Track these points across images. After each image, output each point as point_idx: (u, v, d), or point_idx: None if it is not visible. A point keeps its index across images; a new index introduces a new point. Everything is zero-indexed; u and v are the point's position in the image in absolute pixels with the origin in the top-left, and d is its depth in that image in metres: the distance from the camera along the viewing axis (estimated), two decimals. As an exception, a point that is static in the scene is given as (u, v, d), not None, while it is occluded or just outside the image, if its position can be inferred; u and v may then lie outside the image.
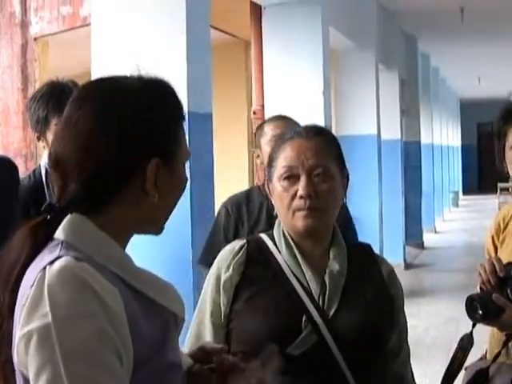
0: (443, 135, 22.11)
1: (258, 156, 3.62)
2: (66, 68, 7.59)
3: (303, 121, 6.52)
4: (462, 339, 2.56)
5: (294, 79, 6.94)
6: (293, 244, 2.14)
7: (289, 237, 2.15)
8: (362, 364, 2.05)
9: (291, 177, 2.10)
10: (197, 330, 2.15)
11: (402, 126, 13.74)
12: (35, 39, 9.01)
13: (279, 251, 2.14)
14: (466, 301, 2.51)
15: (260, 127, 3.64)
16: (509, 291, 2.47)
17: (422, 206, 15.08)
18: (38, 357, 1.27)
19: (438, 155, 19.89)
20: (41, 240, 1.43)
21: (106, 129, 1.44)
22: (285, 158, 2.12)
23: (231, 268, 2.12)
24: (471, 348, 2.53)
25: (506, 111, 2.66)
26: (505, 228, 2.77)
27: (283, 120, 3.59)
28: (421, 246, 14.76)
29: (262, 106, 6.98)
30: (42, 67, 8.86)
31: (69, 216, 1.45)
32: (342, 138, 9.64)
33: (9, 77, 8.93)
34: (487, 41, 14.72)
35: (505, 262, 2.56)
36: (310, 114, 6.86)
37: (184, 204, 3.91)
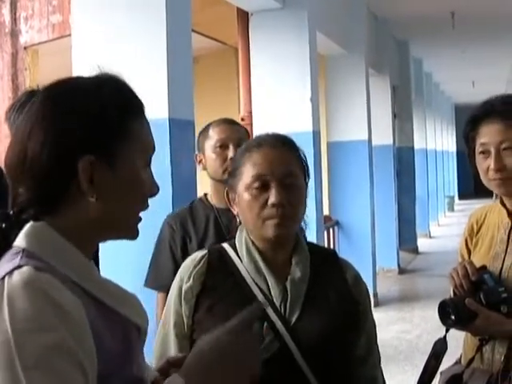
0: (438, 140, 22.12)
1: (201, 161, 3.48)
2: (56, 76, 7.57)
3: (291, 127, 6.55)
4: (435, 344, 2.55)
5: (281, 85, 6.92)
6: (255, 251, 2.12)
7: (251, 244, 2.14)
8: (328, 370, 2.04)
9: (261, 185, 2.07)
10: (162, 341, 2.14)
11: (395, 131, 13.74)
12: (25, 48, 9.01)
13: (241, 259, 2.13)
14: (439, 306, 2.50)
15: (205, 130, 3.50)
16: (481, 295, 2.46)
17: (417, 211, 15.10)
18: None
19: (432, 160, 19.90)
20: None
21: (41, 129, 1.41)
22: (254, 166, 2.09)
23: (192, 278, 2.11)
24: (445, 353, 2.52)
25: (473, 116, 2.64)
26: (478, 231, 2.75)
27: (229, 124, 3.48)
28: (415, 251, 14.76)
29: (250, 113, 6.97)
30: (32, 76, 8.86)
31: (30, 223, 1.42)
32: (333, 144, 9.66)
33: (-1, 86, 8.93)
34: (479, 45, 14.74)
35: (478, 265, 2.55)
36: (297, 120, 6.86)
37: (165, 211, 3.89)
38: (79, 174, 1.40)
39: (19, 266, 1.32)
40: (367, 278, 10.16)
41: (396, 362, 7.07)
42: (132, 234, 1.53)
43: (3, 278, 1.31)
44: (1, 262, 1.37)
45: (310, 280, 2.12)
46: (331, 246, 9.16)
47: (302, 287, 2.09)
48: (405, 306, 9.75)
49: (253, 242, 2.14)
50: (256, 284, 2.09)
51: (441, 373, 2.67)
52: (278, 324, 2.02)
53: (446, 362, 2.74)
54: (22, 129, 1.44)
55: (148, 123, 1.54)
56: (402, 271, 12.51)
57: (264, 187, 2.07)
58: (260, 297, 2.06)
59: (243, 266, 2.12)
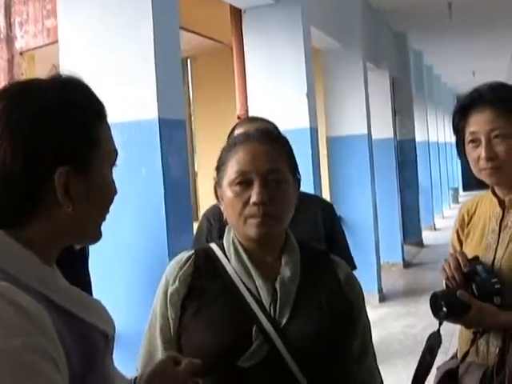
0: (440, 132, 22.05)
1: None
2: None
3: (288, 123, 6.50)
4: (429, 338, 2.49)
5: (277, 82, 6.87)
6: (243, 251, 2.05)
7: (239, 244, 2.07)
8: (320, 372, 1.97)
9: (244, 182, 2.00)
10: (148, 345, 2.09)
11: (396, 124, 13.68)
12: (21, 53, 8.97)
13: (229, 260, 2.06)
14: (431, 298, 2.44)
15: (231, 130, 3.43)
16: (474, 287, 2.40)
17: (421, 203, 15.03)
18: None
19: (434, 152, 19.83)
20: None
21: (10, 137, 1.34)
22: (237, 161, 2.02)
23: (177, 280, 2.03)
24: (439, 347, 2.47)
25: (461, 106, 2.58)
26: (469, 221, 2.70)
27: (252, 122, 3.36)
28: (420, 244, 14.70)
29: (247, 111, 6.92)
30: (29, 81, 8.80)
31: None
32: (333, 139, 9.61)
33: (-4, 92, 8.89)
34: (478, 35, 14.68)
35: (470, 256, 2.50)
36: (294, 117, 6.80)
37: (159, 212, 3.85)
38: (56, 186, 1.36)
39: None
40: (371, 273, 10.08)
41: (402, 357, 7.02)
42: (97, 237, 1.50)
43: None
44: None
45: (300, 280, 2.05)
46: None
47: (291, 287, 2.02)
48: (410, 300, 9.69)
49: (240, 242, 2.07)
50: (245, 285, 2.01)
51: (437, 368, 2.62)
52: (268, 326, 1.95)
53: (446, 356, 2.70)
54: None
55: (109, 127, 1.50)
56: (407, 265, 12.47)
57: (247, 184, 2.00)
58: (248, 298, 1.99)
59: (231, 266, 2.05)
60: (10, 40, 9.02)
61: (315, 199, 3.64)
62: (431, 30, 13.89)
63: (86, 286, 3.42)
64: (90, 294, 3.39)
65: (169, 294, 2.03)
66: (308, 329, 1.97)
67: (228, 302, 2.00)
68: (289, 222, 2.09)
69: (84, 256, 3.42)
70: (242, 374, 1.91)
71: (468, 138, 2.53)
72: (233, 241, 2.08)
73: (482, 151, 2.48)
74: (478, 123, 2.50)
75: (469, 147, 2.54)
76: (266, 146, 2.05)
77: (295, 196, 2.09)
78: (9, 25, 9.06)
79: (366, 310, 2.19)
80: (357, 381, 2.12)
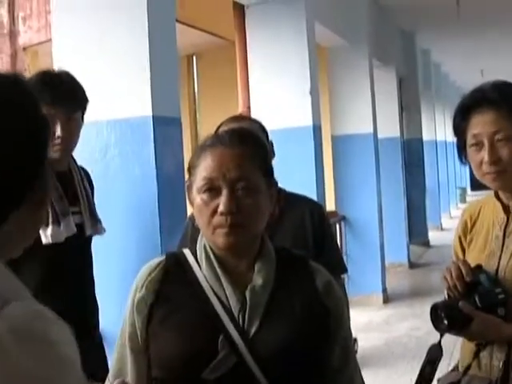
0: (448, 131, 21.91)
1: None
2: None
3: (290, 121, 6.38)
4: (429, 350, 2.37)
5: (280, 79, 6.76)
6: (214, 259, 1.95)
7: (210, 251, 1.96)
8: None
9: (212, 189, 1.89)
10: (119, 353, 2.01)
11: (403, 123, 13.57)
12: (24, 49, 8.91)
13: (200, 267, 1.96)
14: (431, 310, 2.32)
15: (216, 129, 3.23)
16: (476, 298, 2.28)
17: (427, 203, 14.92)
18: None
19: (442, 151, 19.72)
20: None
21: None
22: (205, 168, 1.91)
23: (144, 287, 1.95)
24: (440, 359, 2.35)
25: (463, 106, 2.44)
26: (472, 227, 2.57)
27: (237, 121, 3.25)
28: (426, 244, 14.59)
29: (249, 108, 6.82)
30: (31, 77, 8.73)
31: None
32: (338, 138, 9.51)
33: (-1, 88, 8.82)
34: (486, 33, 14.56)
35: (473, 264, 2.37)
36: (297, 115, 6.70)
37: (152, 212, 3.77)
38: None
39: None
40: (376, 274, 9.99)
41: (405, 360, 6.90)
42: None
43: None
44: None
45: (273, 288, 1.94)
46: (338, 242, 9.01)
47: (262, 296, 1.92)
48: (415, 302, 9.55)
49: (211, 248, 1.97)
50: (214, 292, 1.92)
51: (438, 380, 2.50)
52: (235, 336, 1.85)
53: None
54: None
55: None
56: (412, 265, 12.35)
57: (215, 191, 1.89)
58: (217, 306, 1.90)
59: (202, 273, 1.95)
60: (13, 35, 8.94)
61: (303, 200, 3.49)
62: (439, 27, 13.78)
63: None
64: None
65: (135, 301, 1.96)
66: (278, 338, 1.88)
67: (196, 310, 1.91)
68: (265, 227, 1.99)
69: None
70: None
71: (470, 140, 2.40)
72: (204, 247, 1.98)
73: (485, 155, 2.35)
74: (480, 125, 2.36)
75: (471, 150, 2.41)
76: (236, 151, 1.93)
77: (270, 202, 1.98)
78: (12, 20, 8.98)
79: (348, 317, 2.13)
80: None
